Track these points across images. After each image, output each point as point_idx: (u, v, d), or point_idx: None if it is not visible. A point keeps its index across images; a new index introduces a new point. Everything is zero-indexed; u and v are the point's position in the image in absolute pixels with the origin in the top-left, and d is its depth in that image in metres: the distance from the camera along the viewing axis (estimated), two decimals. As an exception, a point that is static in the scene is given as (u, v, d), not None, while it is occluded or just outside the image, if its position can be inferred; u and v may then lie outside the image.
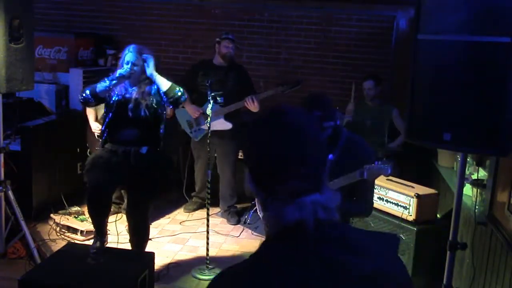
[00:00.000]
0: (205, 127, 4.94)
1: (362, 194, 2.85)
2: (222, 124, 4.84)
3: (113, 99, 3.61)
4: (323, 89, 5.74)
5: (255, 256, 1.11)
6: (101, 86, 3.57)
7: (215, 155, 5.13)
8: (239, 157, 5.36)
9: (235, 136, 5.05)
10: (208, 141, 4.13)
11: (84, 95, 3.62)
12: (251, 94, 4.80)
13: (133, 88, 3.63)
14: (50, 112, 5.42)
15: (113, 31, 6.34)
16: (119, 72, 3.55)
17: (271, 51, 6.13)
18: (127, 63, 3.56)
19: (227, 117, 4.87)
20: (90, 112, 4.90)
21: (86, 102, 3.68)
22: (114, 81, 3.55)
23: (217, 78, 4.75)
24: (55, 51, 5.81)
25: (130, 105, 3.58)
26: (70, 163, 5.27)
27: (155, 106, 3.62)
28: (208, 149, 4.17)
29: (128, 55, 3.57)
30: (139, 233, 3.81)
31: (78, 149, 5.31)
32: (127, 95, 3.62)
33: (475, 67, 2.28)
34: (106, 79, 3.60)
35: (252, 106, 4.74)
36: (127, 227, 4.12)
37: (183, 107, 5.06)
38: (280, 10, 6.09)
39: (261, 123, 1.19)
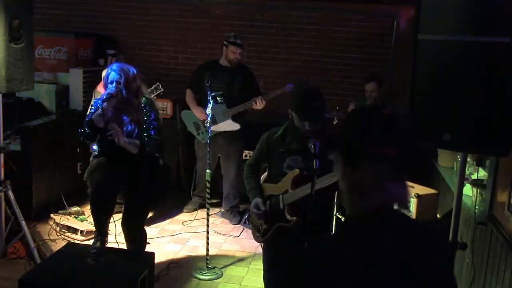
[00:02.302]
0: (214, 129, 4.95)
1: None
2: (230, 125, 4.86)
3: (107, 129, 3.50)
4: (323, 89, 5.73)
5: (339, 234, 1.30)
6: (94, 115, 3.44)
7: (219, 155, 5.14)
8: (244, 157, 5.38)
9: (241, 136, 5.07)
10: (208, 141, 4.15)
11: (84, 133, 3.50)
12: (257, 94, 4.86)
13: (123, 114, 3.51)
14: (50, 112, 5.42)
15: (113, 31, 6.34)
16: (106, 92, 3.44)
17: (271, 51, 6.13)
18: (111, 82, 3.45)
19: (235, 118, 4.87)
20: None
21: (88, 138, 3.57)
22: (104, 103, 3.41)
23: (223, 79, 4.77)
24: (55, 51, 5.80)
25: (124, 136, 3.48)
26: (70, 163, 5.27)
27: (145, 137, 3.54)
28: (208, 149, 4.18)
29: (112, 74, 3.46)
30: (136, 241, 3.77)
31: (78, 149, 5.31)
32: (119, 124, 3.50)
33: (475, 67, 2.28)
34: (93, 107, 3.49)
35: (260, 106, 4.84)
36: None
37: (189, 109, 5.08)
38: (280, 10, 6.09)
39: (364, 112, 1.35)
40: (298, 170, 2.77)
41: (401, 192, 1.25)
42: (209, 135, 4.14)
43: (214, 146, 4.92)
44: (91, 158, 3.76)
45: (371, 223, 1.21)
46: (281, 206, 2.80)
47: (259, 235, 2.99)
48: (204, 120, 4.99)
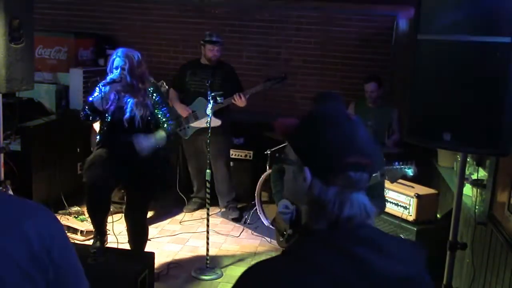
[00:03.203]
0: (195, 125, 5.01)
1: (380, 193, 2.86)
2: (212, 121, 4.87)
3: (110, 110, 3.57)
4: (322, 89, 5.74)
5: (293, 249, 1.14)
6: (95, 97, 3.53)
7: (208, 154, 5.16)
8: (232, 155, 5.41)
9: (226, 133, 5.11)
10: (208, 140, 4.15)
11: (84, 113, 3.60)
12: (238, 91, 4.88)
13: (127, 96, 3.57)
14: (50, 112, 5.42)
15: (113, 31, 6.34)
16: (109, 77, 3.51)
17: (271, 51, 6.13)
18: (116, 68, 3.51)
19: (216, 114, 4.90)
20: None
21: (88, 119, 3.65)
22: (106, 88, 3.49)
23: (204, 76, 4.80)
24: (55, 51, 5.80)
25: (126, 116, 3.54)
26: (70, 163, 5.27)
27: (149, 118, 3.60)
28: (208, 149, 4.19)
29: (117, 60, 3.52)
30: (137, 234, 3.81)
31: (78, 149, 5.31)
32: (122, 105, 3.56)
33: (475, 67, 2.28)
34: (96, 89, 3.56)
35: (240, 102, 4.85)
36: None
37: (172, 106, 5.14)
38: (280, 10, 6.09)
39: (321, 116, 1.20)
40: None
41: (367, 202, 1.15)
42: (209, 135, 4.15)
43: (200, 144, 4.95)
44: (95, 148, 3.80)
45: (337, 238, 1.11)
46: None
47: (283, 240, 2.95)
48: (186, 117, 5.07)
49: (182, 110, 5.08)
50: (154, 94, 3.64)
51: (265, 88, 4.95)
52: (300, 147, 1.19)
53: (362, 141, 1.16)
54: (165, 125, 3.64)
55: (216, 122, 4.89)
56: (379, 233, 1.17)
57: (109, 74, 3.55)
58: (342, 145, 1.14)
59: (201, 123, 4.82)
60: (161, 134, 3.61)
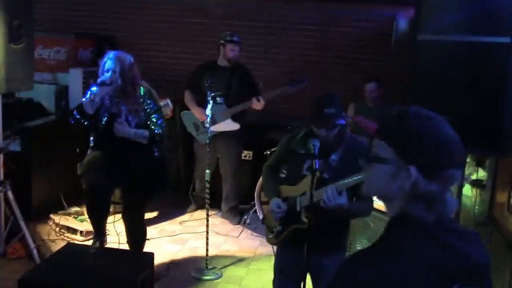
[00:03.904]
0: (213, 129, 4.94)
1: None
2: (230, 125, 4.83)
3: (103, 117, 3.53)
4: (322, 90, 5.73)
5: (399, 241, 1.22)
6: (85, 100, 3.48)
7: (218, 155, 5.13)
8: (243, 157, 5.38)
9: (240, 137, 5.06)
10: (208, 141, 4.14)
11: (74, 117, 3.53)
12: (255, 94, 4.81)
13: (120, 103, 3.53)
14: (50, 112, 5.41)
15: (113, 31, 6.34)
16: (99, 79, 3.46)
17: (271, 51, 6.13)
18: (107, 71, 3.46)
19: (234, 118, 4.86)
20: None
21: (79, 123, 3.56)
22: (95, 90, 3.44)
23: (222, 79, 4.75)
24: (55, 51, 5.80)
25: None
26: (70, 163, 5.26)
27: (144, 124, 3.57)
28: (208, 149, 4.18)
29: (108, 62, 3.47)
30: (135, 234, 3.82)
31: (77, 149, 5.30)
32: (115, 112, 3.52)
33: (475, 67, 2.28)
34: (87, 92, 3.52)
35: (259, 105, 4.78)
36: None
37: (188, 110, 5.08)
38: (280, 10, 6.09)
39: (419, 116, 1.27)
40: (318, 173, 2.75)
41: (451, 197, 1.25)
42: (209, 135, 4.14)
43: (213, 146, 4.91)
44: (89, 151, 3.78)
45: (438, 231, 1.22)
46: (298, 208, 2.78)
47: (272, 237, 2.97)
48: (204, 121, 4.97)
49: (199, 114, 4.96)
50: (147, 101, 3.58)
51: (285, 92, 4.85)
52: (404, 146, 1.24)
53: (454, 138, 1.24)
54: (153, 127, 3.57)
55: (235, 126, 4.85)
56: (458, 225, 1.31)
57: (100, 77, 3.51)
58: (444, 142, 1.22)
59: (218, 127, 4.74)
60: (144, 132, 3.54)
